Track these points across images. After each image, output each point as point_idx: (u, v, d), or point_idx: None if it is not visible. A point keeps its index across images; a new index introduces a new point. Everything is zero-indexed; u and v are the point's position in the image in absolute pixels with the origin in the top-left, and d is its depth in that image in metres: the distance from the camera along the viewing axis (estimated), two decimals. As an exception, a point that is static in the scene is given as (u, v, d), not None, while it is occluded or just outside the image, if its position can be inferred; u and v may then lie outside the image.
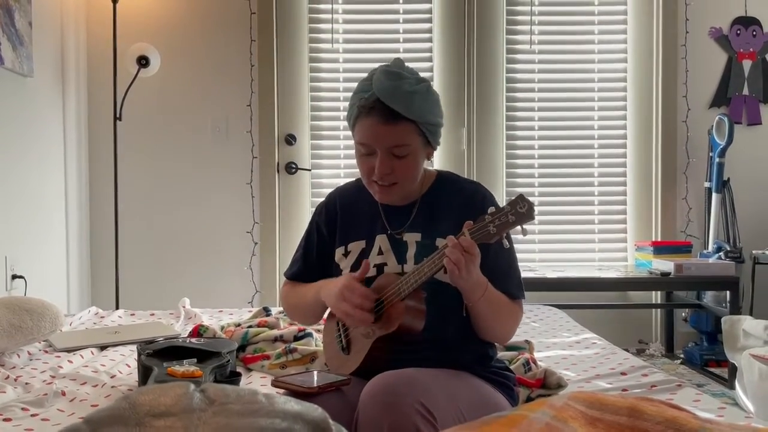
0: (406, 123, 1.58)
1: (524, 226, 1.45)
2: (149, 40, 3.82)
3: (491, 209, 1.48)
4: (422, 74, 1.66)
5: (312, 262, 1.81)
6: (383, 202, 1.71)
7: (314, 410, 0.93)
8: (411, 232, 1.68)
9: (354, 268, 1.69)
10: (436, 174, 1.76)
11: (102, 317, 2.91)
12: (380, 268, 1.67)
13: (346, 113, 1.72)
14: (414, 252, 1.66)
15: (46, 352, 2.34)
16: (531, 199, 1.53)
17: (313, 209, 1.89)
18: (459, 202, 1.68)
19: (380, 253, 1.69)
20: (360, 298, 1.56)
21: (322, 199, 1.85)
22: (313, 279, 1.78)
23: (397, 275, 1.61)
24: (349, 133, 1.69)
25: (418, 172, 1.66)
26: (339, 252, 1.75)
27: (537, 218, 4.14)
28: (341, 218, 1.78)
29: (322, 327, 1.84)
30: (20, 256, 3.27)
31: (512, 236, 1.60)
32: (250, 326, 2.40)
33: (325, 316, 1.81)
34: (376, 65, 1.67)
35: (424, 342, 1.59)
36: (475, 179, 3.94)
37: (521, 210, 1.44)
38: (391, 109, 1.57)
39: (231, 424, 0.86)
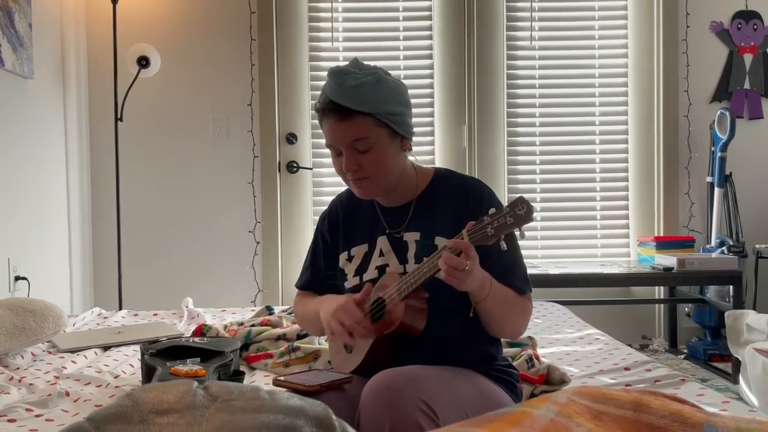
0: (360, 117, 1.58)
1: (522, 228, 1.45)
2: (149, 41, 3.82)
3: (491, 210, 1.47)
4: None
5: (320, 271, 1.82)
6: (363, 197, 1.71)
7: (317, 406, 0.93)
8: (410, 231, 1.68)
9: (358, 271, 1.71)
10: (432, 172, 1.76)
11: (105, 318, 2.91)
12: (382, 269, 1.67)
13: None
14: (414, 251, 1.66)
15: (50, 353, 2.34)
16: (533, 195, 1.53)
17: (315, 208, 1.90)
18: (456, 199, 1.68)
19: (381, 254, 1.69)
20: (351, 320, 1.56)
21: (325, 208, 1.86)
22: (323, 287, 1.80)
23: (398, 275, 1.61)
24: None
25: (389, 164, 1.64)
26: (343, 257, 1.76)
27: (539, 215, 4.14)
28: (343, 224, 1.78)
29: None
30: (23, 258, 3.27)
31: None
32: (253, 325, 2.40)
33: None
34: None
35: (426, 341, 1.59)
36: (476, 176, 3.98)
37: (520, 212, 1.43)
38: (342, 106, 1.58)
39: (234, 420, 0.86)
